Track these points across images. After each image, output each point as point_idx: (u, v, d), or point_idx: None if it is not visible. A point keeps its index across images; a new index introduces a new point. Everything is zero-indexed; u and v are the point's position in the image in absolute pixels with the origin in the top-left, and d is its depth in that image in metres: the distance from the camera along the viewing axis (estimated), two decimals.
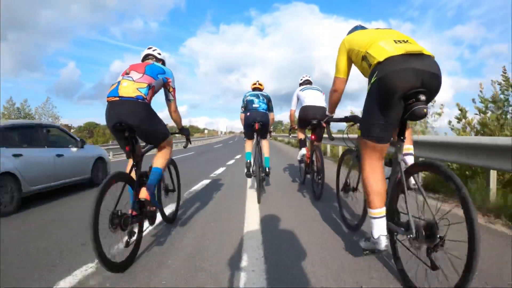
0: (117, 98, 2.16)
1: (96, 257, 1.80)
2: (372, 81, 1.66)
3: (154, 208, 2.34)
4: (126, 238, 2.05)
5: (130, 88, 2.18)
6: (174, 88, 2.56)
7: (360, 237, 2.06)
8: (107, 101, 2.21)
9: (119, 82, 2.23)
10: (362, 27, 2.17)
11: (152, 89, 2.32)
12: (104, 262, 1.84)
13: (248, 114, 4.13)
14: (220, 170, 7.48)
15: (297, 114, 4.64)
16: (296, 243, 2.39)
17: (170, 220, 3.01)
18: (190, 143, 3.12)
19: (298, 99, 4.43)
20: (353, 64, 2.03)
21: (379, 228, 1.74)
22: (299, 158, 4.60)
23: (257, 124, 4.00)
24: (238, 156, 11.28)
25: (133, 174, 2.33)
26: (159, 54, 2.70)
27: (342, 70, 2.07)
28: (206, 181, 5.69)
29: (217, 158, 11.62)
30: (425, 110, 1.54)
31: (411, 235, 1.54)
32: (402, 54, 1.60)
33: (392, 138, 1.82)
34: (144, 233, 2.42)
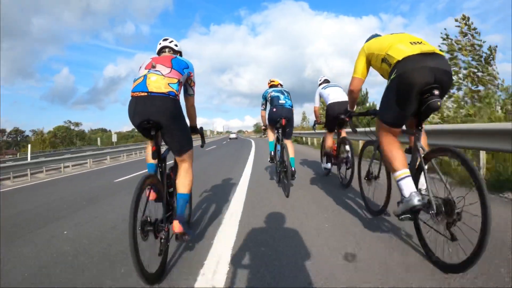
0: (146, 94, 1.98)
1: (135, 269, 1.66)
2: (392, 76, 1.92)
3: (188, 237, 2.16)
4: (159, 246, 1.91)
5: (161, 83, 2.02)
6: (194, 82, 2.44)
7: (393, 211, 2.17)
8: (132, 96, 2.02)
9: (145, 76, 2.05)
10: (378, 35, 2.41)
11: (181, 85, 2.18)
12: (143, 274, 1.68)
13: (274, 110, 4.19)
14: None
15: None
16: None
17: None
18: (205, 142, 3.01)
19: (321, 97, 4.76)
20: (371, 67, 2.31)
21: (407, 187, 1.90)
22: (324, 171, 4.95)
23: (283, 120, 4.09)
24: None
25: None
26: (176, 46, 2.54)
27: (360, 71, 2.35)
28: None
29: None
30: (438, 103, 1.78)
31: (433, 211, 1.78)
32: (418, 53, 1.86)
33: (405, 126, 2.12)
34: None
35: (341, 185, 4.28)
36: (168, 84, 2.05)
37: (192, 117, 2.59)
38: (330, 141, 4.59)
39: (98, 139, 41.60)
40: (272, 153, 4.50)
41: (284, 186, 3.89)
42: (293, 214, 3.15)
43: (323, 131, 5.16)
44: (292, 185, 4.21)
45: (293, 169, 3.96)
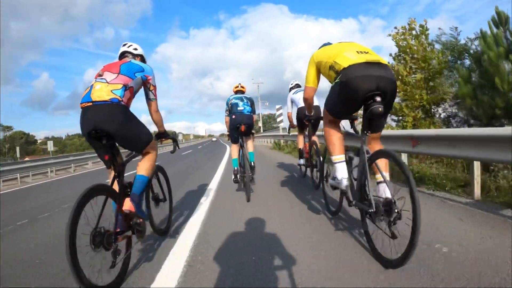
0: (90, 103, 1.99)
1: (76, 282, 1.60)
2: (337, 80, 2.07)
3: (141, 220, 2.16)
4: (111, 258, 1.85)
5: (104, 91, 2.01)
6: (155, 86, 2.37)
7: (331, 177, 2.50)
8: (81, 107, 2.04)
9: (92, 86, 2.07)
10: (329, 43, 2.54)
11: (130, 90, 2.14)
12: (85, 285, 1.64)
13: (233, 117, 4.32)
14: None
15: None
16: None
17: (163, 232, 2.74)
18: (179, 147, 2.89)
19: (292, 102, 4.92)
20: (321, 75, 2.43)
21: (340, 172, 2.28)
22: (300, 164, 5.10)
23: (243, 126, 4.22)
24: None
25: (115, 186, 2.13)
26: (136, 49, 2.50)
27: (311, 80, 2.48)
28: None
29: None
30: (380, 109, 1.91)
31: (372, 210, 1.90)
32: (363, 62, 1.99)
33: (342, 120, 2.40)
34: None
35: (313, 187, 4.39)
36: (111, 91, 2.03)
37: (158, 123, 2.52)
38: (301, 141, 4.91)
39: (17, 148, 30.75)
40: (236, 169, 4.46)
41: (246, 190, 3.98)
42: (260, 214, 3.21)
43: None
44: (252, 191, 4.29)
45: (252, 163, 4.27)
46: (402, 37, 7.22)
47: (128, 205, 2.05)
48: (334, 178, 2.34)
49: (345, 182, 2.25)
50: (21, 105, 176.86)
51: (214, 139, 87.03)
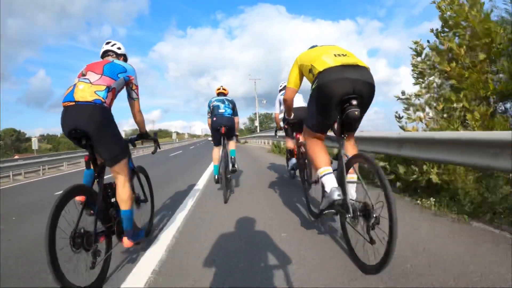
0: (73, 103, 1.99)
1: (56, 283, 1.60)
2: (313, 86, 2.02)
3: (141, 243, 2.40)
4: (91, 259, 1.87)
5: (87, 92, 2.00)
6: (137, 86, 2.35)
7: (318, 205, 2.32)
8: (63, 106, 2.04)
9: (74, 85, 2.05)
10: (316, 46, 2.50)
11: (113, 91, 2.13)
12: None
13: (214, 119, 4.37)
14: None
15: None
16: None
17: (145, 234, 2.70)
18: (160, 148, 2.87)
19: (280, 103, 4.85)
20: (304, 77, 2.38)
21: (329, 183, 2.01)
22: (289, 168, 5.06)
23: (223, 128, 4.28)
24: None
25: (95, 187, 2.12)
26: (119, 49, 2.48)
27: (293, 81, 2.43)
28: None
29: None
30: (356, 112, 1.87)
31: (349, 215, 1.87)
32: (338, 65, 1.94)
33: (328, 131, 2.26)
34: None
35: (303, 188, 4.33)
36: (95, 92, 2.02)
37: (141, 123, 2.48)
38: (290, 143, 4.77)
39: None
40: (216, 177, 4.39)
41: (224, 191, 3.97)
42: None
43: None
44: (233, 192, 4.34)
45: (233, 157, 4.41)
46: (450, 6, 4.90)
47: (127, 243, 2.17)
48: (324, 194, 2.03)
49: (336, 191, 1.93)
50: (16, 103, 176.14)
51: (209, 138, 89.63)
